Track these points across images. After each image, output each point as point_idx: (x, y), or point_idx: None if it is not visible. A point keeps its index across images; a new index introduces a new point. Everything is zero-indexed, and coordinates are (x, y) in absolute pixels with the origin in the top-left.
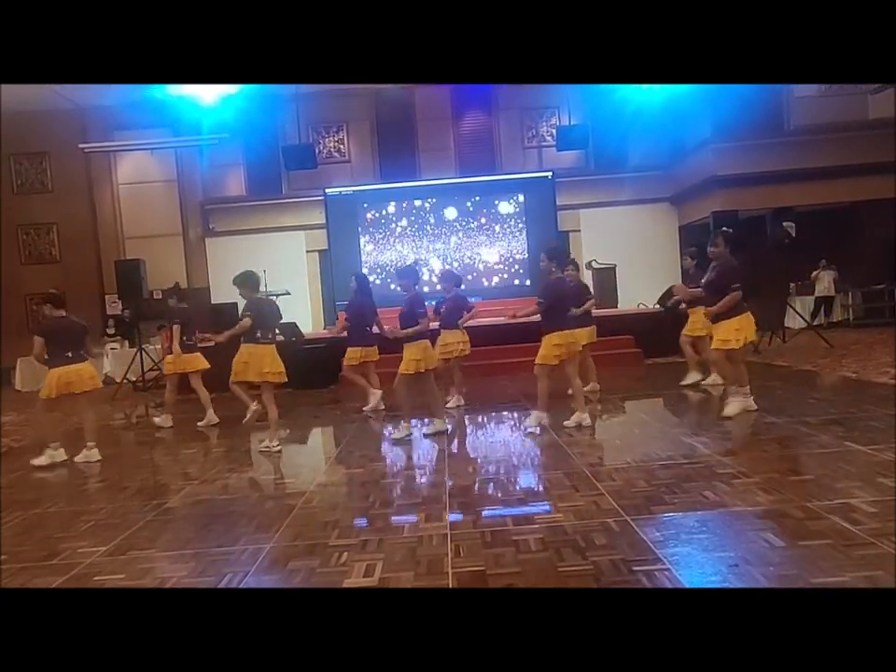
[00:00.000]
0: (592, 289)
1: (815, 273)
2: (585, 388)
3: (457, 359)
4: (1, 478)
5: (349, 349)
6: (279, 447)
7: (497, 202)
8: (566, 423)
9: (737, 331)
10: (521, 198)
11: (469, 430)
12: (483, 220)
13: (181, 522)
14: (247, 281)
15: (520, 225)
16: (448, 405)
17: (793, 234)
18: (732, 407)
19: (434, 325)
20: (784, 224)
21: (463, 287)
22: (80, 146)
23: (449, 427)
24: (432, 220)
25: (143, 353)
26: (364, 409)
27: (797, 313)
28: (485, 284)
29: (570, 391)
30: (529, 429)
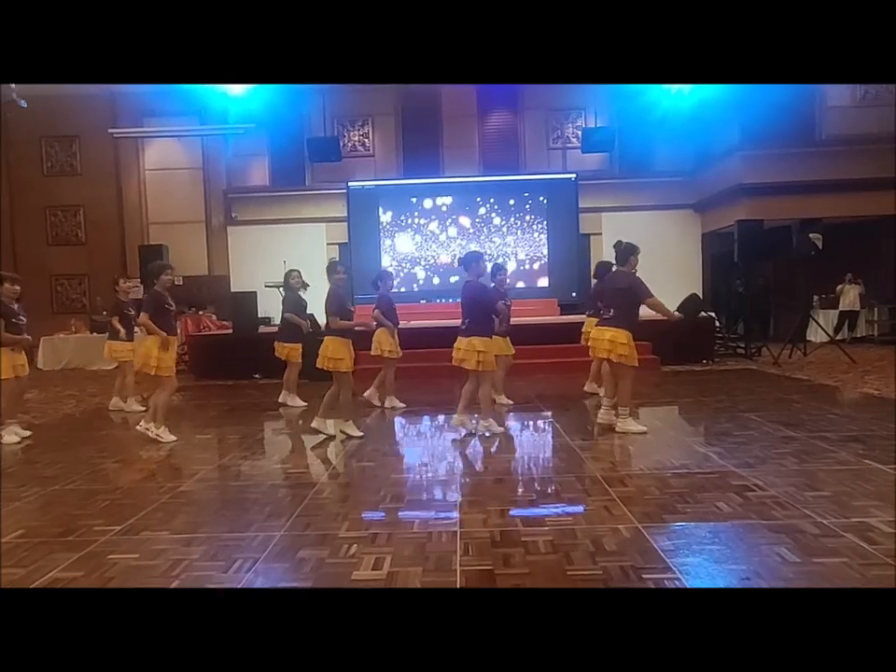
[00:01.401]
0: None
1: (840, 286)
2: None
3: (387, 361)
4: (1, 465)
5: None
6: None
7: (519, 201)
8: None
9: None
10: (543, 199)
11: (481, 429)
12: (504, 220)
13: (194, 506)
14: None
15: (541, 226)
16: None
17: (820, 246)
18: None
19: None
20: (811, 235)
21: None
22: (110, 130)
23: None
24: (454, 218)
25: None
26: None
27: (820, 326)
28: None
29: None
30: (487, 433)
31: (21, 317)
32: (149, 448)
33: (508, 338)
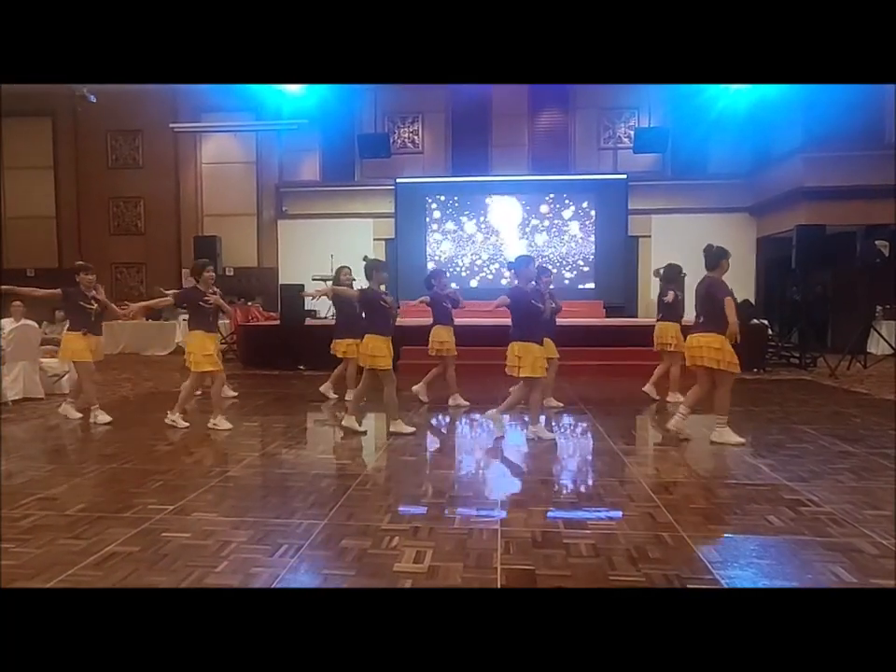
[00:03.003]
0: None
1: None
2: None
3: (445, 358)
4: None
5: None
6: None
7: (567, 201)
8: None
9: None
10: (592, 199)
11: (525, 430)
12: (553, 219)
13: (242, 490)
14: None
15: (589, 226)
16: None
17: (886, 254)
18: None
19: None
20: (877, 243)
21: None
22: (170, 125)
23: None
24: (501, 216)
25: None
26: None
27: (882, 337)
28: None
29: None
30: (535, 438)
31: (92, 303)
32: (199, 433)
33: (552, 340)
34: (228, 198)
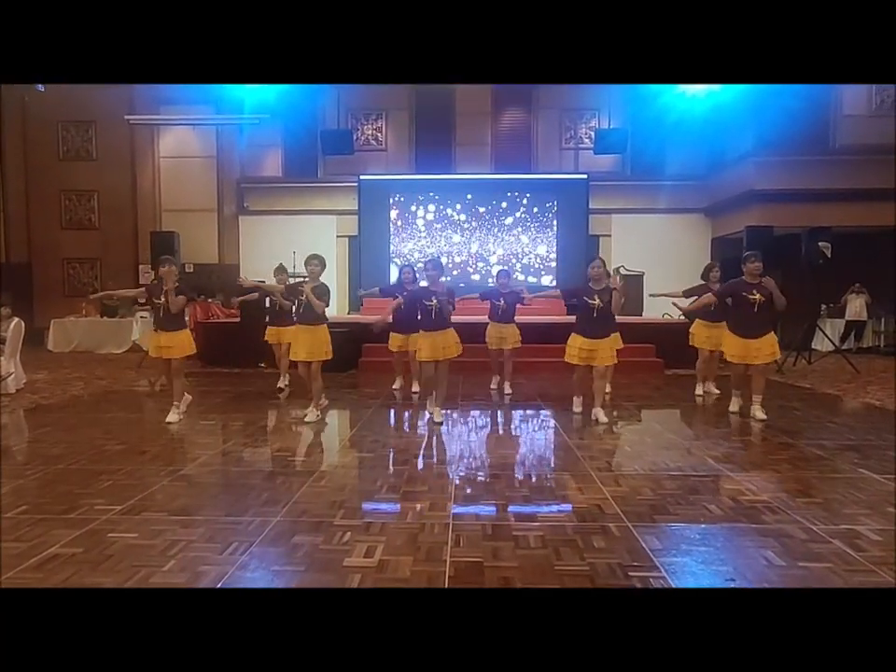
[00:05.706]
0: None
1: (846, 295)
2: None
3: (512, 351)
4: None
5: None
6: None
7: (529, 201)
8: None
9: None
10: (554, 198)
11: (482, 425)
12: (514, 218)
13: (194, 489)
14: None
15: (551, 225)
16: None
17: (828, 255)
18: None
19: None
20: (819, 244)
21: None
22: (126, 117)
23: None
24: (464, 215)
25: None
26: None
27: (825, 335)
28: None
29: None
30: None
31: (161, 298)
32: (153, 431)
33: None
34: (187, 193)
